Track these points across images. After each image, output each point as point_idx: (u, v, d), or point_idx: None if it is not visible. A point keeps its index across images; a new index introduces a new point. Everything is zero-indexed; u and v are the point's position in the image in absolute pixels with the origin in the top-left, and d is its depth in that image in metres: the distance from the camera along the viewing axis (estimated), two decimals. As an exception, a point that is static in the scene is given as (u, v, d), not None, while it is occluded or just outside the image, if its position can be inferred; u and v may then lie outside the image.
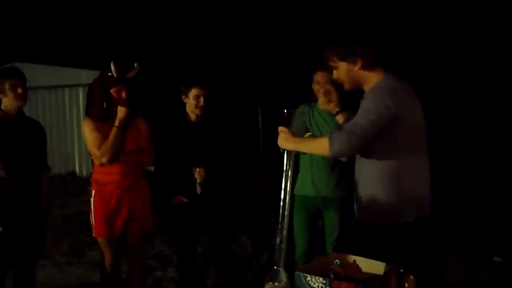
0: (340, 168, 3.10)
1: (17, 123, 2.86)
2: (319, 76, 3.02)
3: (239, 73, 8.24)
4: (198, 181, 3.08)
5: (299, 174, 3.23)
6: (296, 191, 3.21)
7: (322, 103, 2.97)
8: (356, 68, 2.13)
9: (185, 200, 3.14)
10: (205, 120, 3.22)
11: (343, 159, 2.99)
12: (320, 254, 3.06)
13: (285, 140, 2.10)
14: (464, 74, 8.24)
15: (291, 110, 2.14)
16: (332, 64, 2.18)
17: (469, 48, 8.48)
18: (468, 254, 4.04)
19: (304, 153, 2.56)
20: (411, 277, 1.74)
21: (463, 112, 7.93)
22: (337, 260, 1.79)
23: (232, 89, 8.30)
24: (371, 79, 2.14)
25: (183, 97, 3.18)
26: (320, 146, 2.05)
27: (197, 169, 3.07)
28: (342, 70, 2.16)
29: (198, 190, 3.08)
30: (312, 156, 3.07)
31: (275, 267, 1.81)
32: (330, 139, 2.00)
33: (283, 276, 1.79)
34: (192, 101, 3.13)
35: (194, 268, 3.27)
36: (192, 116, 3.19)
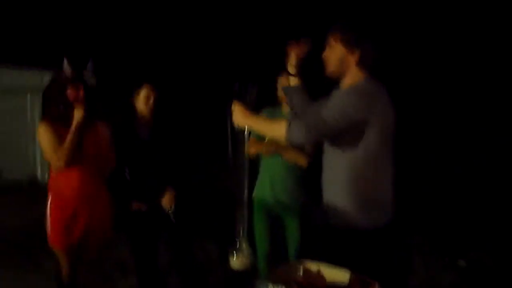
0: (300, 173, 3.07)
1: None
2: (283, 80, 3.00)
3: (209, 76, 8.14)
4: (170, 210, 3.03)
5: (258, 177, 3.19)
6: (254, 194, 3.17)
7: (286, 106, 2.96)
8: (351, 58, 2.08)
9: (143, 207, 3.04)
10: (159, 124, 3.11)
11: (303, 163, 2.97)
12: (283, 261, 3.02)
13: (242, 116, 2.05)
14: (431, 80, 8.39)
15: (248, 85, 2.08)
16: (332, 42, 2.11)
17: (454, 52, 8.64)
18: (433, 258, 4.08)
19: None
20: (376, 285, 1.70)
21: (427, 113, 8.06)
22: (300, 269, 1.74)
23: (200, 92, 8.20)
24: (354, 76, 2.10)
25: (134, 97, 3.07)
26: (277, 129, 2.01)
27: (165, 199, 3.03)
28: (336, 52, 2.10)
29: (173, 218, 3.04)
30: (271, 160, 3.03)
31: (237, 238, 1.79)
32: (289, 125, 1.96)
33: (245, 245, 1.76)
34: (142, 102, 3.03)
35: (155, 276, 3.17)
36: (143, 119, 3.08)
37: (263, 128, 2.10)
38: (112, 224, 2.95)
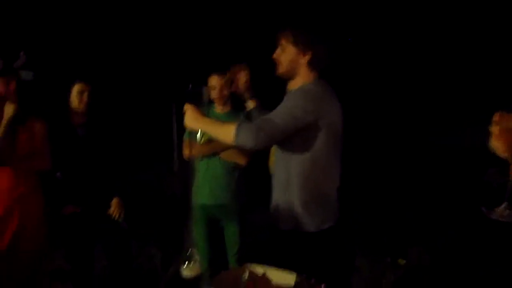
0: (239, 174, 3.04)
1: None
2: (214, 81, 2.99)
3: (152, 79, 7.94)
4: (119, 219, 2.95)
5: (195, 181, 3.13)
6: (193, 200, 3.10)
7: (218, 106, 2.96)
8: (303, 60, 2.05)
9: (78, 210, 2.89)
10: (93, 121, 3.00)
11: (242, 163, 2.95)
12: (224, 266, 2.98)
13: (194, 119, 1.98)
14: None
15: (200, 87, 2.03)
16: (283, 43, 2.08)
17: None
18: (376, 258, 4.17)
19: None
20: (323, 286, 1.68)
21: (365, 116, 8.26)
22: (246, 273, 1.69)
23: (143, 96, 8.00)
24: (304, 77, 2.07)
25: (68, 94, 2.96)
26: (226, 133, 1.95)
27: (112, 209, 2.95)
28: (288, 53, 2.07)
29: (125, 225, 2.96)
30: (208, 162, 2.98)
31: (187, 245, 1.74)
32: (237, 128, 1.91)
33: (195, 252, 1.71)
34: (75, 98, 2.92)
35: (92, 284, 3.02)
36: (77, 117, 2.96)
37: (213, 131, 2.04)
38: (46, 229, 2.77)
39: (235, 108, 3.07)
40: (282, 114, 1.94)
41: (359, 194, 5.75)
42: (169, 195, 5.51)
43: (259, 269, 1.76)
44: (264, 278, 1.71)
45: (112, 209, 2.95)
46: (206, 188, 3.02)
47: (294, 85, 2.11)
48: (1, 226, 2.57)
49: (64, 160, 2.90)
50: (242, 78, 2.32)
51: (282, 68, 2.10)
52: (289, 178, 2.07)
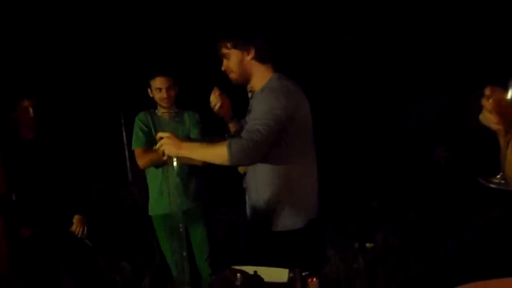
0: (198, 174, 3.00)
1: None
2: (160, 82, 2.92)
3: (98, 84, 7.68)
4: (83, 236, 2.86)
5: (151, 191, 3.05)
6: (151, 211, 3.03)
7: (163, 110, 2.91)
8: (249, 57, 2.04)
9: (35, 232, 2.76)
10: (41, 137, 2.89)
11: (200, 164, 2.90)
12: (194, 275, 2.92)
13: (175, 146, 1.89)
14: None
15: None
16: (225, 51, 2.06)
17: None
18: (345, 245, 4.24)
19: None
20: (315, 279, 1.69)
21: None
22: (237, 275, 1.66)
23: (89, 101, 7.73)
24: (262, 74, 2.06)
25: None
26: (218, 154, 1.86)
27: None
28: (234, 58, 2.05)
29: (88, 243, 2.87)
30: (163, 168, 2.89)
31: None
32: (229, 147, 1.82)
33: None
34: (22, 115, 2.82)
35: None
36: (25, 132, 2.83)
37: (201, 156, 1.96)
38: (6, 254, 2.62)
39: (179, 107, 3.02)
40: (264, 120, 1.88)
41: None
42: (130, 205, 5.37)
43: (249, 269, 1.74)
44: (256, 276, 1.69)
45: (74, 226, 2.83)
46: (165, 196, 2.91)
47: (256, 86, 2.09)
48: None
49: (16, 180, 2.74)
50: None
51: (235, 74, 2.09)
52: (264, 176, 2.04)
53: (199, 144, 2.03)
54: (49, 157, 2.85)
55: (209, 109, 2.31)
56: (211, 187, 3.17)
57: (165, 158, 1.89)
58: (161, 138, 1.92)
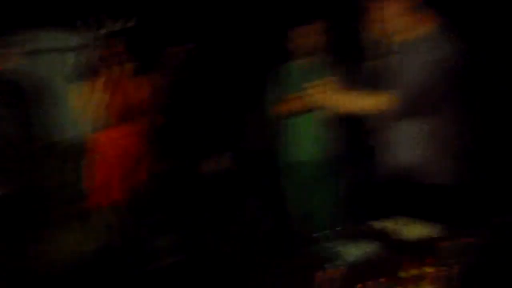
0: (334, 126, 2.91)
1: None
2: (304, 30, 2.78)
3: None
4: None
5: (283, 140, 2.95)
6: (284, 159, 2.97)
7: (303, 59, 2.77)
8: None
9: None
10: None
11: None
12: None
13: (333, 94, 1.80)
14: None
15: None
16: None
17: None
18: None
19: None
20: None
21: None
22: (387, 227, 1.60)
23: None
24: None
25: None
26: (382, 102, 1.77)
27: None
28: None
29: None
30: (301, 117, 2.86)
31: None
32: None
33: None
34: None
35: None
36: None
37: (361, 104, 1.83)
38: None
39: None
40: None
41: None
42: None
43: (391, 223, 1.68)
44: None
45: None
46: (300, 146, 2.86)
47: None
48: None
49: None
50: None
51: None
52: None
53: (357, 92, 1.86)
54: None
55: None
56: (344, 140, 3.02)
57: (314, 106, 1.82)
58: (315, 87, 1.83)
